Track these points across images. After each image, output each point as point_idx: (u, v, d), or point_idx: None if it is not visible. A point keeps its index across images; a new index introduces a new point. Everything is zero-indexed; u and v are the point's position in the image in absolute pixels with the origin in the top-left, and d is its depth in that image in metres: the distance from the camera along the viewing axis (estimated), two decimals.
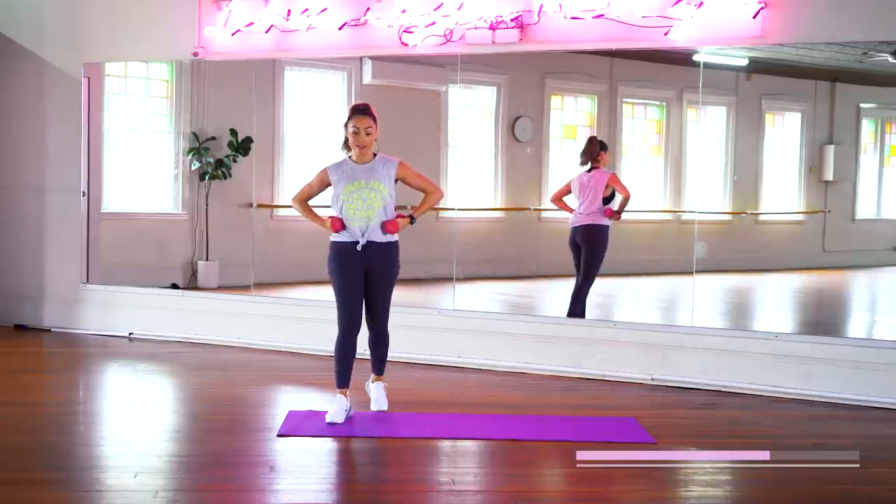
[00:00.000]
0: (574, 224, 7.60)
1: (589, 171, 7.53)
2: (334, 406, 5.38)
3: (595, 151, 7.53)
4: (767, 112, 10.75)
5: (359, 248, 5.34)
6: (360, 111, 5.35)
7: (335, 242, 5.42)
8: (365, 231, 5.34)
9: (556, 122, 10.48)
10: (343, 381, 5.41)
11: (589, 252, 7.49)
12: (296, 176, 10.03)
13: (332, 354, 5.41)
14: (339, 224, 5.36)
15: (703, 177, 9.93)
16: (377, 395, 5.64)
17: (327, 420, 5.34)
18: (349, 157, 5.41)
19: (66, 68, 8.12)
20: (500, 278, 7.57)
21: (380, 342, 5.59)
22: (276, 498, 4.34)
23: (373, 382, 5.70)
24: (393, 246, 5.44)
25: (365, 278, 5.43)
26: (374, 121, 5.35)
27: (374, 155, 5.40)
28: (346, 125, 5.38)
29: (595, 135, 7.97)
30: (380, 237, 5.37)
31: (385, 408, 5.59)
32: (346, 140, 5.39)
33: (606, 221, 7.49)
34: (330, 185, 5.43)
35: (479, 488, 4.52)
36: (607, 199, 7.46)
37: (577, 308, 7.37)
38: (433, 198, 5.55)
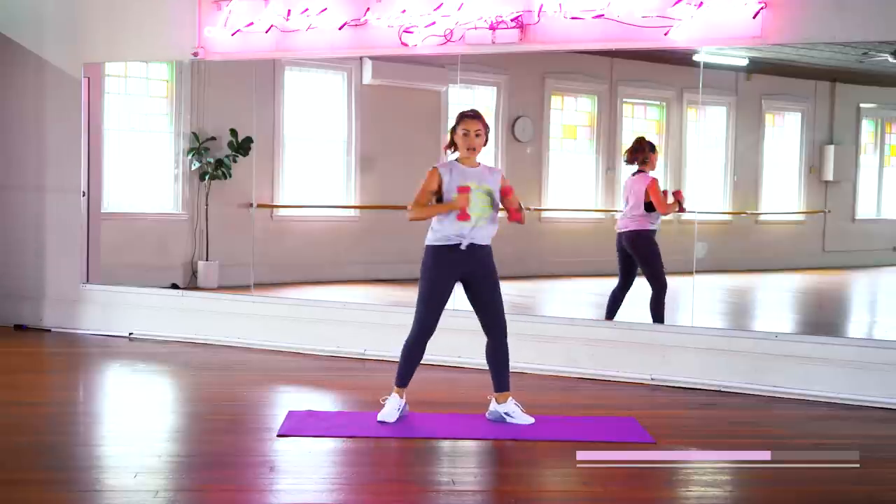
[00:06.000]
0: (618, 229, 7.39)
1: (635, 173, 7.32)
2: (388, 405, 5.39)
3: (640, 152, 7.27)
4: (767, 112, 10.76)
5: (463, 247, 5.27)
6: (470, 116, 5.37)
7: (437, 246, 5.33)
8: (470, 232, 5.29)
9: (556, 122, 10.50)
10: (405, 380, 5.40)
11: (642, 262, 7.27)
12: (296, 176, 10.08)
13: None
14: (466, 201, 5.21)
15: (703, 177, 9.93)
16: (515, 410, 5.45)
17: (378, 418, 5.34)
18: (456, 160, 5.38)
19: (66, 68, 8.12)
20: (500, 278, 7.56)
21: (505, 346, 5.48)
22: (276, 498, 4.34)
23: (506, 401, 5.48)
24: (490, 249, 5.40)
25: (468, 288, 5.41)
26: (484, 126, 5.37)
27: (479, 164, 5.41)
28: (453, 130, 5.37)
29: (643, 136, 7.69)
30: (482, 239, 5.33)
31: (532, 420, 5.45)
32: (451, 143, 5.37)
33: (649, 226, 7.22)
34: (442, 183, 5.35)
35: (479, 488, 4.52)
36: (650, 206, 7.18)
37: (658, 318, 7.12)
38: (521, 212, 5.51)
